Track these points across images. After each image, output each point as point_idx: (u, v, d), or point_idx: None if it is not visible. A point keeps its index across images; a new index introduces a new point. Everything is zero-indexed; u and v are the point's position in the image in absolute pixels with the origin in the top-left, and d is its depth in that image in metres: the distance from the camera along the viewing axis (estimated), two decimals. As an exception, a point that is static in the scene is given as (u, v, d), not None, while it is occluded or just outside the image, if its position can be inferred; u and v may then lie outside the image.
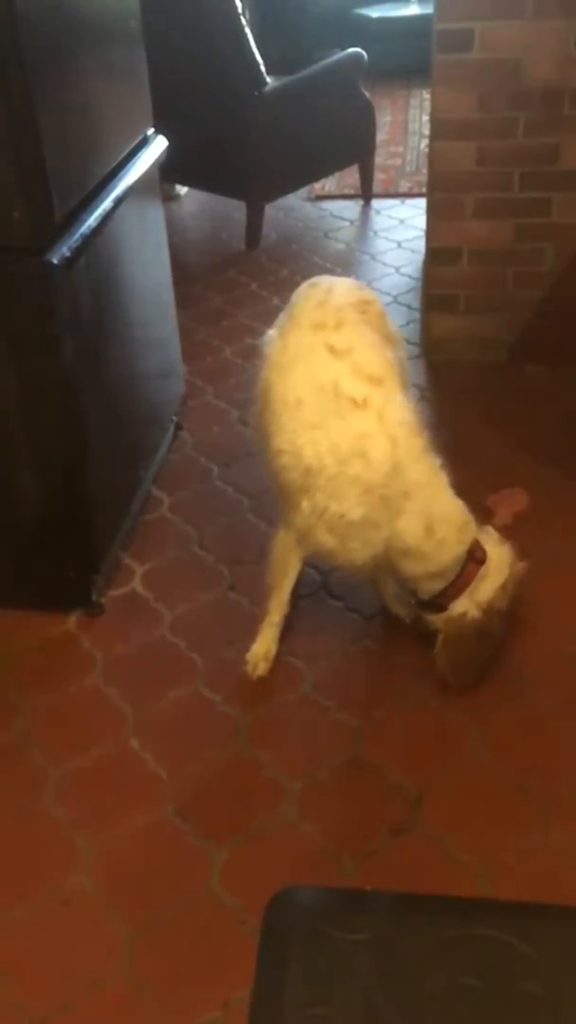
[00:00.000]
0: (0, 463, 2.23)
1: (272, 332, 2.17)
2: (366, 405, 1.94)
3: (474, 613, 2.04)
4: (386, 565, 2.09)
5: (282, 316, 2.19)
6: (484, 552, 2.05)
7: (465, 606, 2.04)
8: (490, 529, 2.11)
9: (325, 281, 2.22)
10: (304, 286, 2.21)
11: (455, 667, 2.09)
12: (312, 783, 1.98)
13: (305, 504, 1.98)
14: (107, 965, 1.68)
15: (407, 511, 1.95)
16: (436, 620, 2.10)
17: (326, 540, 2.01)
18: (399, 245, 4.36)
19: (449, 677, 2.11)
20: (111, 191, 2.29)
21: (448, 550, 2.00)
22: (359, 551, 2.00)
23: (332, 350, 1.99)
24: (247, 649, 2.24)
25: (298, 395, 1.99)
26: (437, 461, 2.02)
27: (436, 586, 2.05)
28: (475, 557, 2.04)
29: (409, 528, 1.96)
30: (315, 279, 2.24)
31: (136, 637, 2.35)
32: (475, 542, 2.05)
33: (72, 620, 2.41)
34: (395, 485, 1.93)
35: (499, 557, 2.07)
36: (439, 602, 2.07)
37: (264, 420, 2.08)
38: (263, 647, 2.23)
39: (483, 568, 2.04)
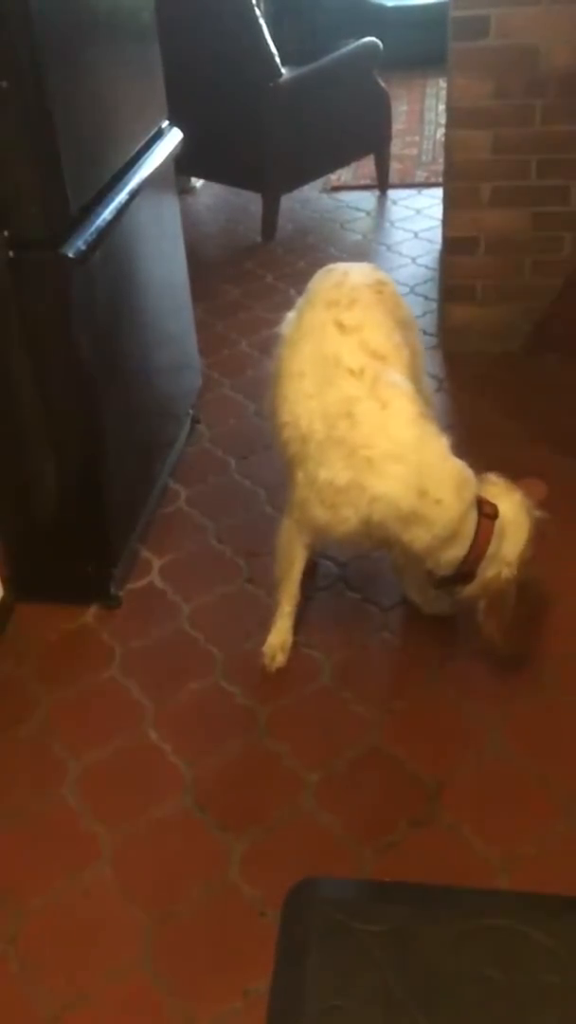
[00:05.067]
0: (17, 457, 2.25)
1: (290, 314, 2.19)
2: (362, 374, 1.93)
3: (507, 572, 1.98)
4: (399, 549, 2.05)
5: (301, 299, 2.20)
6: (494, 507, 1.99)
7: (496, 567, 1.98)
8: (493, 478, 2.04)
9: (342, 265, 2.24)
10: (322, 271, 2.23)
11: (504, 630, 2.02)
12: (331, 774, 1.97)
13: (300, 475, 1.98)
14: (126, 955, 1.68)
15: (393, 475, 1.88)
16: (471, 590, 2.03)
17: (320, 514, 1.97)
18: (416, 235, 4.33)
19: (499, 643, 2.04)
20: (126, 184, 2.29)
21: (448, 509, 1.92)
22: (352, 518, 1.93)
23: (341, 327, 1.99)
24: (265, 641, 2.24)
25: (302, 368, 2.00)
26: (434, 426, 1.97)
27: (456, 552, 1.97)
28: (485, 513, 1.98)
29: (400, 492, 1.89)
30: (332, 265, 2.26)
31: (154, 630, 2.36)
32: (481, 498, 1.99)
33: (90, 613, 2.41)
34: (381, 447, 1.89)
35: (512, 508, 2.00)
36: (465, 570, 2.00)
37: (273, 395, 2.09)
38: (279, 638, 2.23)
39: (497, 523, 1.98)
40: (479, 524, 1.97)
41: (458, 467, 1.97)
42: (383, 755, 2.01)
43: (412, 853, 1.80)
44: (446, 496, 1.92)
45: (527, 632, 2.08)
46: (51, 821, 1.92)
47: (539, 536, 2.05)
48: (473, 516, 1.97)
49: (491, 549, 1.98)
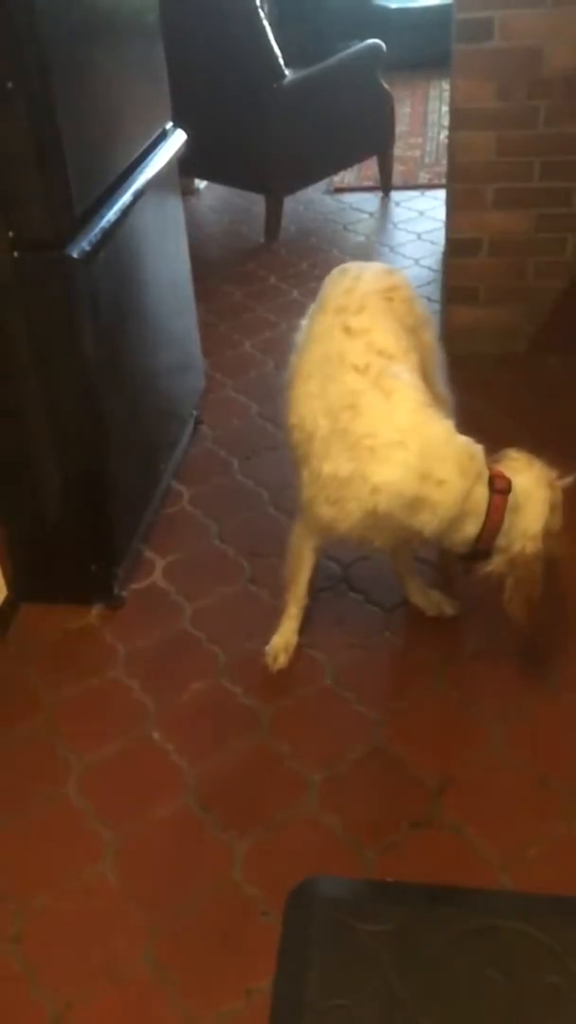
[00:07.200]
0: (21, 457, 2.25)
1: (303, 321, 2.19)
2: (366, 370, 1.93)
3: (531, 547, 1.95)
4: (405, 536, 2.03)
5: (313, 304, 2.20)
6: (507, 481, 1.96)
7: (520, 542, 1.96)
8: (513, 453, 2.02)
9: (355, 268, 2.20)
10: (335, 272, 2.21)
11: (530, 607, 1.99)
12: (333, 775, 1.98)
13: (305, 474, 1.98)
14: (129, 955, 1.69)
15: (395, 462, 1.86)
16: (497, 567, 1.99)
17: (325, 512, 1.95)
18: (419, 237, 4.34)
19: (525, 621, 2.01)
20: (130, 185, 2.29)
21: (451, 489, 1.89)
22: (356, 512, 1.91)
23: (348, 331, 1.99)
24: (267, 641, 2.24)
25: (310, 370, 2.01)
26: (438, 412, 1.95)
27: (469, 530, 1.95)
28: (496, 488, 1.95)
29: (402, 479, 1.87)
30: (346, 265, 2.24)
31: (157, 630, 2.36)
32: (495, 472, 1.96)
33: (94, 613, 2.42)
34: (384, 435, 1.87)
35: (529, 481, 1.97)
36: (480, 547, 1.97)
37: (285, 400, 2.09)
38: (283, 639, 2.24)
39: (511, 497, 1.95)
40: (490, 500, 1.94)
41: (462, 445, 1.94)
42: (385, 755, 2.01)
43: (414, 853, 1.81)
44: (448, 476, 1.89)
45: (554, 609, 2.04)
46: (54, 820, 1.93)
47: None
48: (481, 492, 1.94)
49: (505, 524, 1.95)
